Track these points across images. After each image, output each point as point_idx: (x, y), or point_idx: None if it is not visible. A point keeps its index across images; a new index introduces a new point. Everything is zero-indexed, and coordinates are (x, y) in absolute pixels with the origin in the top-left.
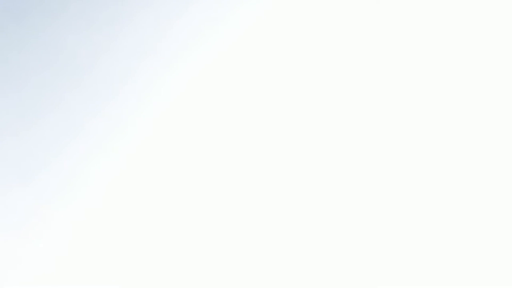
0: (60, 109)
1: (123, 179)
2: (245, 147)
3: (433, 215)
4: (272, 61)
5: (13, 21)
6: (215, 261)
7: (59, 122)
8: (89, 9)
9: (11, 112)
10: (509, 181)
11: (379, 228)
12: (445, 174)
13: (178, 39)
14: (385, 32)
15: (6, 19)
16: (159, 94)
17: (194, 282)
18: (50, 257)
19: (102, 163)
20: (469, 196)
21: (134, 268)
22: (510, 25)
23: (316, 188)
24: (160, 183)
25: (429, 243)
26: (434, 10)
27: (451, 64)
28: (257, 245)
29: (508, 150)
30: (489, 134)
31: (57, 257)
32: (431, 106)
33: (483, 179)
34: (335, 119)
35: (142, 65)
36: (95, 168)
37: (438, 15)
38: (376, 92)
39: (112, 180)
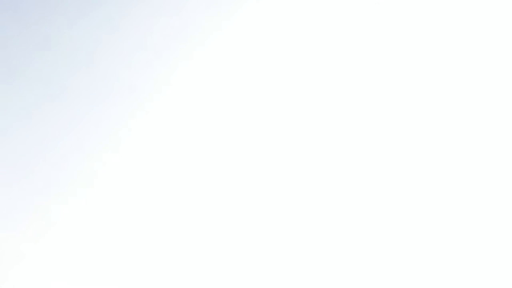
0: (60, 107)
1: (123, 177)
2: (243, 145)
3: (432, 215)
4: (271, 60)
5: (13, 18)
6: (214, 260)
7: (59, 119)
8: (89, 6)
9: (12, 109)
10: (509, 181)
11: (379, 228)
12: (445, 174)
13: (179, 37)
14: (384, 32)
15: (6, 16)
16: (159, 91)
17: (194, 281)
18: (50, 255)
19: (102, 160)
20: (468, 196)
21: (135, 267)
22: (510, 25)
23: (316, 188)
24: (159, 180)
25: (429, 243)
26: (434, 11)
27: (450, 64)
28: (257, 245)
29: (508, 150)
30: (489, 134)
31: (57, 255)
32: (430, 106)
33: (483, 179)
34: (333, 118)
35: (142, 63)
36: (95, 165)
37: (437, 16)
38: (375, 92)
39: (112, 178)
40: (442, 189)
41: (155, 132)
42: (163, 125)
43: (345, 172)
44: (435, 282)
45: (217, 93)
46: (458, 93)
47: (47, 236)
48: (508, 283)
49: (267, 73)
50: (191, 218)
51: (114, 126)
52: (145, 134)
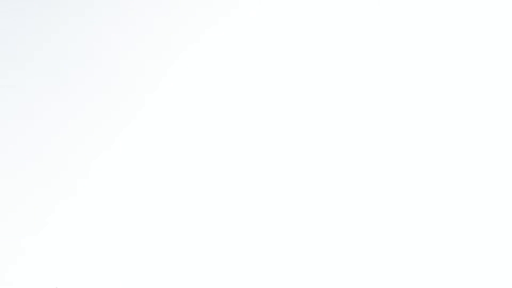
0: (59, 107)
1: (124, 174)
2: (244, 146)
3: (433, 215)
4: (272, 61)
5: (12, 19)
6: (215, 261)
7: (58, 119)
8: (87, 7)
9: (12, 108)
10: (509, 181)
11: (379, 229)
12: (445, 174)
13: (177, 37)
14: (385, 32)
15: (5, 17)
16: (158, 91)
17: (194, 282)
18: (50, 250)
19: (103, 157)
20: (469, 196)
21: (134, 262)
22: (510, 25)
23: (316, 188)
24: (158, 176)
25: (429, 243)
26: (434, 10)
27: (451, 64)
28: (257, 245)
29: (508, 150)
30: (489, 134)
31: (57, 251)
32: (431, 106)
33: (483, 179)
34: (334, 118)
35: (141, 63)
36: (95, 162)
37: (438, 15)
38: (375, 91)
39: (112, 176)
40: (442, 189)
41: (154, 130)
42: (163, 123)
43: (344, 171)
44: (435, 282)
45: (216, 93)
46: (458, 93)
47: (48, 232)
48: (508, 283)
49: (268, 73)
50: (189, 216)
51: (113, 124)
52: (144, 132)
